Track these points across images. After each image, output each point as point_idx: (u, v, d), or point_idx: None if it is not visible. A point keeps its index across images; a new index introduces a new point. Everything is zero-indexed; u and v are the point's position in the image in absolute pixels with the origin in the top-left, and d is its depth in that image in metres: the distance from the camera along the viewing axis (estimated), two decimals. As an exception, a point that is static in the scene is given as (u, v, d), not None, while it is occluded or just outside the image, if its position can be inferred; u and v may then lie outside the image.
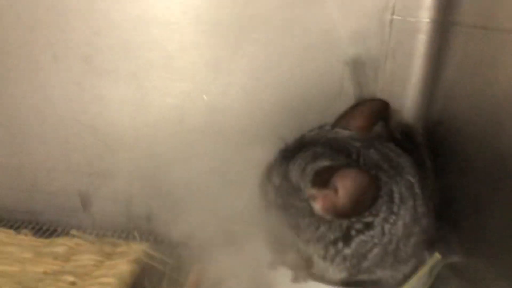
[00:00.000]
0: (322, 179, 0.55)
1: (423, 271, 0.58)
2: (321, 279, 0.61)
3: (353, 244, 0.57)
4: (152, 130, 0.85)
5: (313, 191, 0.57)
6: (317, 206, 0.57)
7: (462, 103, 0.69)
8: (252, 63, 0.81)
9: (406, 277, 0.62)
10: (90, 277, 0.71)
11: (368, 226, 0.56)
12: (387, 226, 0.57)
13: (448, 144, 0.71)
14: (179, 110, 0.84)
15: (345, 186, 0.53)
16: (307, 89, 0.81)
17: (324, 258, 0.59)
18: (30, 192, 0.91)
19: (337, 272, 0.59)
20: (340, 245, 0.57)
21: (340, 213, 0.55)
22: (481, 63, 0.64)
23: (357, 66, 0.81)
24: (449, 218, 0.65)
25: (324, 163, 0.57)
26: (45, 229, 0.90)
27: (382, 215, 0.57)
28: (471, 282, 0.60)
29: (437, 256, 0.58)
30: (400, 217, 0.57)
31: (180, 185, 0.87)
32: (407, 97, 0.81)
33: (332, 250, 0.58)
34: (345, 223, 0.57)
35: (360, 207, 0.54)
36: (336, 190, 0.54)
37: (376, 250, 0.57)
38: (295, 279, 0.61)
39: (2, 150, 0.88)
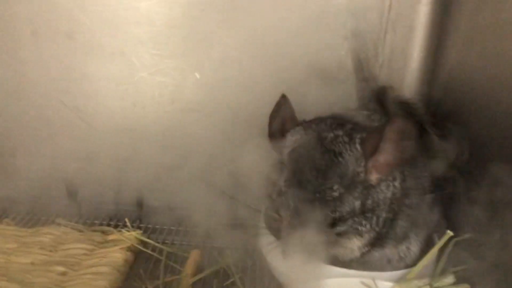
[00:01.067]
0: (371, 146, 0.55)
1: (435, 249, 0.56)
2: (333, 260, 0.58)
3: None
4: (141, 111, 0.81)
5: (368, 163, 0.55)
6: (373, 175, 0.56)
7: (470, 78, 0.66)
8: (247, 38, 0.76)
9: (418, 257, 0.60)
10: (81, 266, 0.67)
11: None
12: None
13: (453, 120, 0.69)
14: (170, 89, 0.79)
15: (393, 139, 0.53)
16: (305, 65, 0.77)
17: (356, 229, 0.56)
18: (12, 179, 0.85)
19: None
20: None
21: (393, 167, 0.55)
22: (492, 34, 0.61)
23: (356, 40, 0.78)
24: (458, 196, 0.63)
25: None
26: (28, 218, 0.84)
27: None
28: (483, 258, 0.58)
29: (449, 233, 0.56)
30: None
31: (172, 168, 0.83)
32: (408, 72, 0.79)
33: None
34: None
35: (407, 154, 0.54)
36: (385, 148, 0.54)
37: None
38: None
39: (-21, 135, 0.83)
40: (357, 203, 0.55)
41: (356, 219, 0.55)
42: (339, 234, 0.55)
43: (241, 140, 0.75)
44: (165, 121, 0.81)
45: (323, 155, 0.55)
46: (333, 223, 0.54)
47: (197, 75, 0.79)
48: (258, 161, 0.67)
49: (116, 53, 0.78)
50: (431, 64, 0.77)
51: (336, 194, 0.53)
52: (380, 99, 0.73)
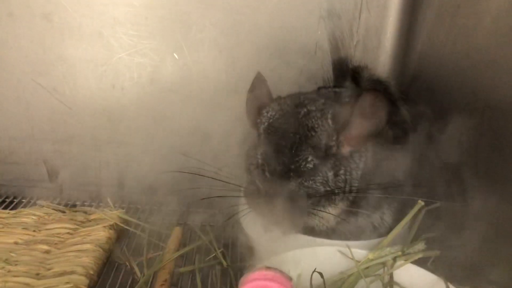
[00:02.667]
0: (343, 120, 0.57)
1: (408, 217, 0.58)
2: (310, 231, 0.60)
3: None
4: (120, 92, 0.81)
5: (339, 137, 0.57)
6: (346, 147, 0.58)
7: (440, 54, 0.69)
8: (225, 18, 0.78)
9: (391, 226, 0.62)
10: (65, 245, 0.68)
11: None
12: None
13: (427, 94, 0.71)
14: (149, 69, 0.80)
15: (364, 113, 0.56)
16: (283, 44, 0.79)
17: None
18: (-9, 162, 0.85)
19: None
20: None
21: (364, 139, 0.58)
22: (459, 10, 0.63)
23: (332, 21, 0.79)
24: (430, 167, 0.66)
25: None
26: (9, 201, 0.85)
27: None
28: (451, 226, 0.61)
29: (420, 203, 0.58)
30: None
31: (152, 149, 0.84)
32: (382, 50, 0.81)
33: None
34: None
35: (378, 127, 0.57)
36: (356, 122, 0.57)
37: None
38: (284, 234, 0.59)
39: (-45, 118, 0.82)
40: (330, 174, 0.57)
41: (329, 189, 0.57)
42: (314, 204, 0.58)
43: (220, 118, 0.77)
44: (144, 102, 0.82)
45: (297, 129, 0.57)
46: (308, 194, 0.56)
47: (176, 56, 0.80)
48: (236, 138, 0.69)
49: (94, 34, 0.78)
50: (404, 42, 0.79)
51: (310, 165, 0.56)
52: (355, 77, 0.75)
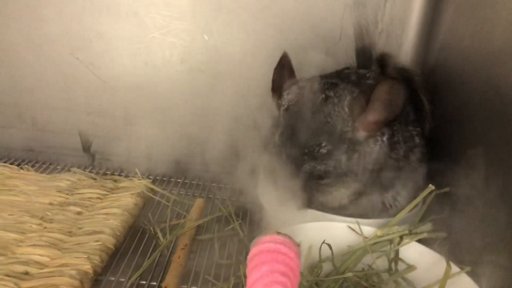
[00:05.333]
0: (359, 107, 0.59)
1: (417, 200, 0.61)
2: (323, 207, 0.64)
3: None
4: (152, 69, 0.86)
5: (355, 123, 0.60)
6: (361, 132, 0.60)
7: (460, 44, 0.70)
8: (254, 2, 0.81)
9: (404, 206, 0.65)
10: (95, 208, 0.73)
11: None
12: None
13: (446, 85, 0.73)
14: (179, 49, 0.84)
15: (381, 99, 0.57)
16: (308, 30, 0.82)
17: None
18: (31, 130, 0.91)
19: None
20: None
21: (380, 125, 0.60)
22: (479, 2, 0.65)
23: (358, 8, 0.81)
24: (446, 153, 0.68)
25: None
26: (45, 166, 0.91)
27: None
28: (459, 210, 0.63)
29: (430, 186, 0.61)
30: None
31: (180, 125, 0.88)
32: (406, 39, 0.83)
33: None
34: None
35: (395, 109, 0.58)
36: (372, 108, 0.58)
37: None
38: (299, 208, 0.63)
39: (1, 88, 0.88)
40: (344, 158, 0.60)
41: (342, 171, 0.60)
42: (327, 185, 0.61)
43: (245, 98, 0.80)
44: (174, 80, 0.86)
45: (314, 115, 0.60)
46: (321, 176, 0.60)
47: (205, 37, 0.84)
48: (260, 117, 0.73)
49: (130, 14, 0.82)
50: (426, 32, 0.80)
51: (324, 150, 0.59)
52: (382, 64, 0.77)
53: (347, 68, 0.75)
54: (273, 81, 0.68)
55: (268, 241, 0.47)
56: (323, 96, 0.61)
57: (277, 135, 0.62)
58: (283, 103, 0.64)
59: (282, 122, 0.63)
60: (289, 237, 0.48)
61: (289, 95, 0.64)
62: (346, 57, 0.83)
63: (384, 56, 0.77)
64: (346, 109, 0.60)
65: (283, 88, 0.66)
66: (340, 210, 0.64)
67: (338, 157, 0.60)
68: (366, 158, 0.61)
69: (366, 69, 0.72)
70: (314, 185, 0.61)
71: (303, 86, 0.64)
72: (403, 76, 0.73)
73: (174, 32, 0.83)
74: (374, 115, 0.59)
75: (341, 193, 0.62)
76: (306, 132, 0.60)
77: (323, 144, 0.59)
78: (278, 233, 0.48)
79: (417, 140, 0.68)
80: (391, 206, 0.66)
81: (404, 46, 0.83)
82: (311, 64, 0.80)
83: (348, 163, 0.60)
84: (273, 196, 0.64)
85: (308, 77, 0.66)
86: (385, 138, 0.63)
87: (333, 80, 0.64)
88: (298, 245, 0.48)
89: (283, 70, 0.67)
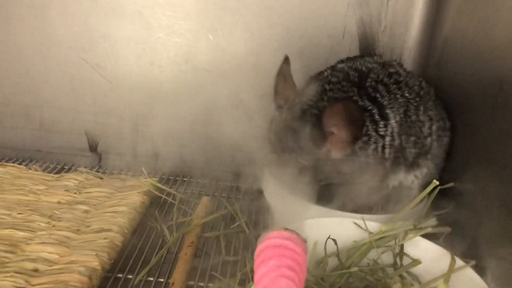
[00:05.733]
0: (319, 135, 0.62)
1: (422, 195, 0.61)
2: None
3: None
4: (157, 69, 0.87)
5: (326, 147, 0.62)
6: (336, 153, 0.63)
7: (462, 41, 0.71)
8: (258, 2, 0.82)
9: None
10: (102, 206, 0.74)
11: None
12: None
13: (449, 81, 0.74)
14: (184, 49, 0.85)
15: (336, 122, 0.59)
16: (312, 28, 0.83)
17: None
18: (38, 131, 0.92)
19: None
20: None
21: (347, 145, 0.62)
22: (480, 2, 0.65)
23: (360, 6, 0.82)
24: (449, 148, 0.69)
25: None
26: (52, 167, 0.92)
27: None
28: (463, 205, 0.64)
29: (435, 182, 0.61)
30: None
31: (185, 123, 0.89)
32: (409, 36, 0.83)
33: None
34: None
35: (357, 130, 0.60)
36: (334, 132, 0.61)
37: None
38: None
39: (9, 89, 0.89)
40: (334, 172, 0.64)
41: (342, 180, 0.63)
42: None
43: (249, 98, 0.81)
44: (179, 79, 0.87)
45: (296, 138, 0.64)
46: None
47: (210, 37, 0.84)
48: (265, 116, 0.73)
49: (135, 14, 0.83)
50: (430, 29, 0.81)
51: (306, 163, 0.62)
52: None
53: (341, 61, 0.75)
54: (275, 87, 0.70)
55: (275, 236, 0.47)
56: (300, 124, 0.64)
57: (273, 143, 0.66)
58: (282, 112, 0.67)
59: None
60: (296, 233, 0.48)
61: (285, 106, 0.67)
62: (350, 54, 0.84)
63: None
64: (312, 140, 0.63)
65: (282, 97, 0.68)
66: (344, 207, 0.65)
67: (329, 171, 0.63)
68: (357, 164, 0.64)
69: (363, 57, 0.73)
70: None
71: (292, 106, 0.66)
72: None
73: (179, 32, 0.84)
74: (337, 137, 0.61)
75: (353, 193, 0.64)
76: (298, 149, 0.63)
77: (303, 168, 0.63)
78: (286, 229, 0.49)
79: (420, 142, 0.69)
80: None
81: (407, 43, 0.84)
82: (315, 61, 0.81)
83: (338, 176, 0.64)
84: (279, 193, 0.65)
85: (293, 101, 0.68)
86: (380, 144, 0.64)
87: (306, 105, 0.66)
88: (305, 241, 0.49)
89: (283, 78, 0.69)
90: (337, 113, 0.58)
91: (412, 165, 0.67)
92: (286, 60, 0.69)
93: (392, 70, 0.67)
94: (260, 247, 0.48)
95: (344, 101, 0.61)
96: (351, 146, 0.62)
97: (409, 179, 0.69)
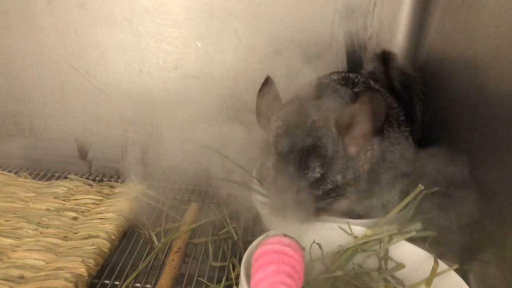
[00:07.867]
0: (345, 124, 0.59)
1: (407, 200, 0.62)
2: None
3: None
4: (146, 76, 0.87)
5: (344, 140, 0.60)
6: (352, 148, 0.61)
7: (447, 46, 0.72)
8: (245, 9, 0.82)
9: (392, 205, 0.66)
10: (91, 213, 0.74)
11: None
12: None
13: (434, 87, 0.74)
14: (173, 56, 0.86)
15: (364, 112, 0.58)
16: (299, 35, 0.84)
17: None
18: (28, 138, 0.92)
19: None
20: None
21: (368, 137, 0.60)
22: (463, 5, 0.66)
23: (347, 13, 0.83)
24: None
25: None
26: (42, 174, 0.92)
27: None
28: (448, 209, 0.64)
29: (420, 186, 0.62)
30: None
31: (174, 131, 0.89)
32: (395, 43, 0.84)
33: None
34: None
35: (380, 118, 0.58)
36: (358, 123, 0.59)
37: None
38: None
39: (-1, 97, 0.90)
40: (339, 177, 0.60)
41: (339, 188, 0.61)
42: (322, 207, 0.62)
43: (238, 105, 0.82)
44: (169, 86, 0.87)
45: (303, 141, 0.59)
46: (318, 197, 0.60)
47: (199, 44, 0.85)
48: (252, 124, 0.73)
49: (124, 22, 0.84)
50: (415, 36, 0.82)
51: (317, 175, 0.59)
52: (385, 62, 0.77)
53: (337, 72, 0.76)
54: (257, 106, 0.67)
55: (275, 242, 0.48)
56: (310, 120, 0.61)
57: (269, 164, 0.62)
58: (272, 130, 0.63)
59: (273, 150, 0.62)
60: (296, 240, 0.49)
61: (276, 122, 0.63)
62: (337, 61, 0.85)
63: (388, 54, 0.78)
64: (333, 129, 0.60)
65: (269, 113, 0.65)
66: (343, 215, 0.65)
67: (333, 178, 0.60)
68: (360, 171, 0.62)
69: (356, 74, 0.73)
70: (313, 207, 0.61)
71: (290, 110, 0.63)
72: (405, 83, 0.74)
73: (167, 40, 0.85)
74: (360, 129, 0.59)
75: (340, 205, 0.63)
76: (299, 160, 0.59)
77: (316, 170, 0.59)
78: (285, 235, 0.49)
79: (410, 140, 0.69)
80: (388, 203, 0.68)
81: (393, 49, 0.84)
82: (303, 68, 0.82)
83: (343, 180, 0.61)
84: (267, 201, 0.65)
85: (294, 98, 0.66)
86: (375, 147, 0.63)
87: (315, 102, 0.63)
88: (303, 248, 0.49)
89: (267, 94, 0.66)
90: (366, 103, 0.57)
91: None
92: (267, 80, 0.67)
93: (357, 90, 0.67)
94: (259, 251, 0.49)
95: (374, 91, 0.59)
96: (371, 141, 0.61)
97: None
